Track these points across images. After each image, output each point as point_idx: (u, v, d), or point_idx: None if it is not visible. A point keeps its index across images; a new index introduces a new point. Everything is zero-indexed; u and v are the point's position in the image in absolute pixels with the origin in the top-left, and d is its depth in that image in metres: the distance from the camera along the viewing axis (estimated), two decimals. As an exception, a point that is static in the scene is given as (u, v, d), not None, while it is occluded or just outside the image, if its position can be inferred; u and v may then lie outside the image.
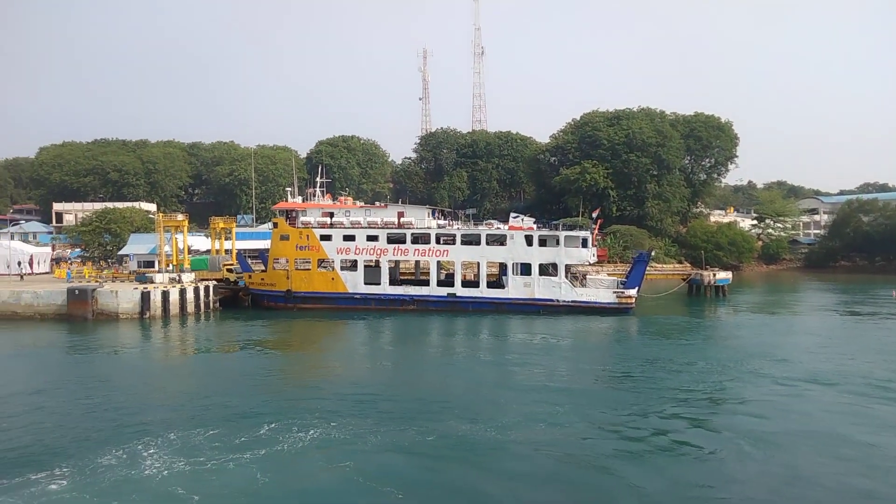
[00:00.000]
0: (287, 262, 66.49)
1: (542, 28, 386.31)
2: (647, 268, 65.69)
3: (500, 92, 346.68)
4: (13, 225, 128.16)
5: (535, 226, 66.08)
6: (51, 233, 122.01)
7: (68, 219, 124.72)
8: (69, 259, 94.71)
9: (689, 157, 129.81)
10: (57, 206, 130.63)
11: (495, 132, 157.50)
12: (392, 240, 64.85)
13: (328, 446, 24.53)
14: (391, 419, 27.66)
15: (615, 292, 62.10)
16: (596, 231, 70.02)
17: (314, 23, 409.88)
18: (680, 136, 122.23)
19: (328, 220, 66.73)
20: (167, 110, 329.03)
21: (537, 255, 62.45)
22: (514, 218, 66.65)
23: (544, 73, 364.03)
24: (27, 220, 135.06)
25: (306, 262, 66.53)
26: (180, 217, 72.79)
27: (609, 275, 72.50)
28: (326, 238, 65.25)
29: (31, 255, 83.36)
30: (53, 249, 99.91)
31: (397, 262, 69.69)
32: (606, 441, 25.49)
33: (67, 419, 28.38)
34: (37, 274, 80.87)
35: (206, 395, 32.56)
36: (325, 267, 65.96)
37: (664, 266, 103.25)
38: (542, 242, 63.12)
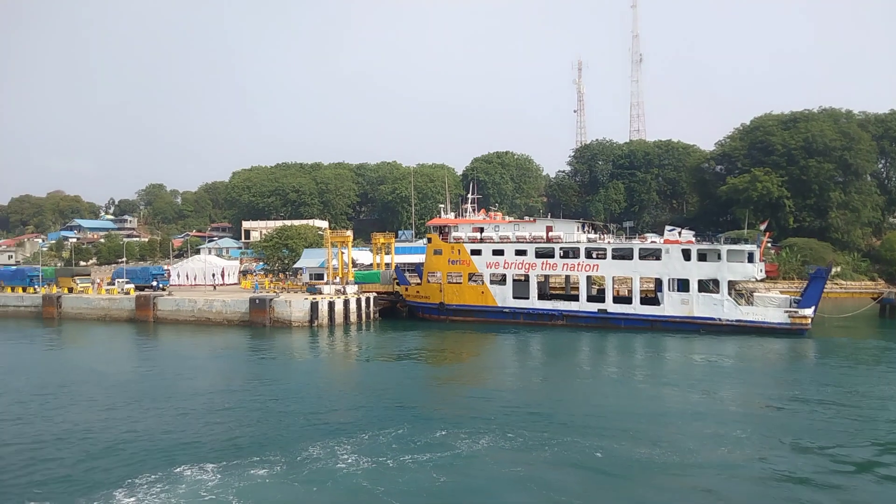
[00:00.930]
0: (440, 275, 69.04)
1: (704, 31, 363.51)
2: (828, 285, 59.08)
3: (659, 100, 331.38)
4: (210, 241, 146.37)
5: (693, 239, 62.45)
6: (240, 248, 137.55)
7: (254, 235, 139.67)
8: (254, 271, 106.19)
9: (883, 161, 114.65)
10: (245, 224, 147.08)
11: (654, 141, 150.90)
12: (541, 254, 64.81)
13: (499, 454, 25.73)
14: (556, 432, 28.14)
15: (787, 311, 56.60)
16: (764, 244, 64.40)
17: (473, 43, 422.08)
18: (871, 138, 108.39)
19: (478, 235, 68.38)
20: (338, 134, 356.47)
21: (696, 271, 58.88)
22: (670, 231, 63.54)
23: (707, 78, 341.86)
24: (221, 237, 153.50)
25: (458, 275, 68.61)
26: (346, 233, 78.61)
27: (782, 292, 66.14)
28: (476, 253, 66.88)
29: (223, 268, 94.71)
30: (241, 263, 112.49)
31: (546, 277, 69.38)
32: (803, 470, 23.91)
33: (265, 415, 32.33)
34: (227, 285, 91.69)
35: (381, 399, 35.32)
36: (475, 281, 67.57)
37: (851, 283, 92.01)
38: (702, 257, 59.41)
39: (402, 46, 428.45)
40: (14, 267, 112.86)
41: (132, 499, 21.61)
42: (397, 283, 74.14)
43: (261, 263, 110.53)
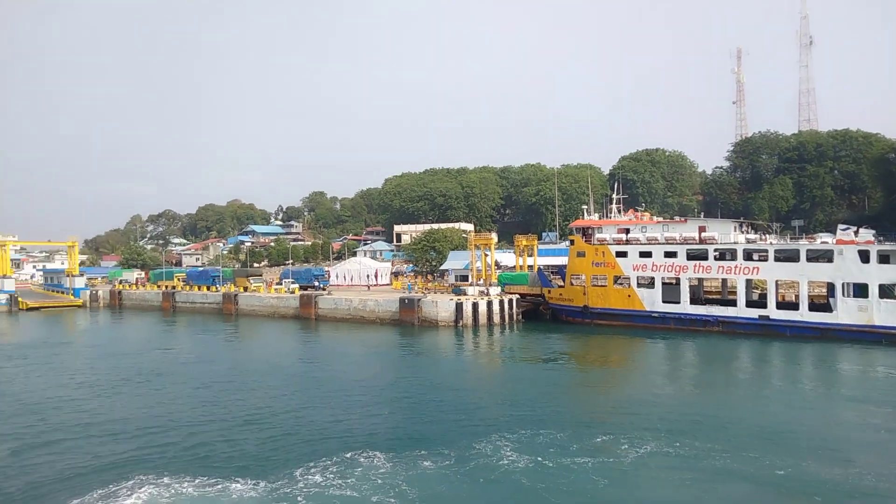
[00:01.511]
0: (584, 278, 67.87)
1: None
2: None
3: (832, 86, 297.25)
4: (365, 244, 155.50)
5: (873, 238, 55.78)
6: (392, 250, 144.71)
7: (405, 238, 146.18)
8: (405, 273, 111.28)
9: None
10: (397, 228, 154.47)
11: (828, 131, 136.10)
12: (692, 256, 61.38)
13: (666, 461, 25.29)
14: (727, 444, 27.01)
15: None
16: (967, 244, 55.80)
17: (614, 35, 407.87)
18: None
19: (624, 236, 66.27)
20: (483, 139, 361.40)
21: (876, 274, 52.52)
22: (844, 230, 57.24)
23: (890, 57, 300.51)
24: (375, 240, 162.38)
25: (602, 278, 66.99)
26: (489, 236, 79.85)
27: None
28: (622, 255, 64.88)
29: (377, 270, 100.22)
30: (393, 264, 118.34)
31: (700, 280, 65.58)
32: None
33: (424, 409, 34.28)
34: (380, 285, 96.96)
35: (532, 400, 35.82)
36: (621, 284, 65.56)
37: None
38: (884, 259, 52.88)
39: (547, 47, 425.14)
40: (200, 268, 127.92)
41: (316, 477, 23.91)
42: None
43: (410, 265, 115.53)
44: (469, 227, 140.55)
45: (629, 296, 64.61)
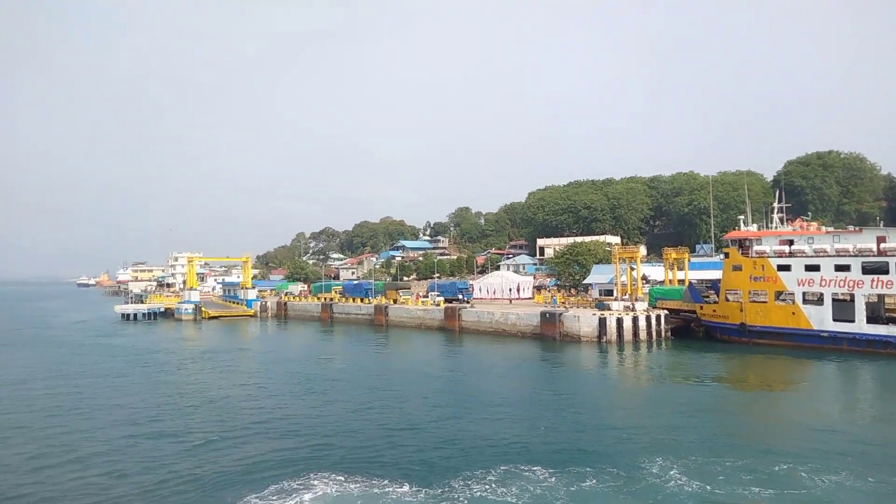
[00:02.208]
0: (741, 293, 63.18)
1: None
2: None
3: None
4: (508, 258, 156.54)
5: None
6: (535, 264, 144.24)
7: (548, 252, 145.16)
8: (548, 287, 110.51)
9: None
10: (540, 242, 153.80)
11: None
12: (870, 270, 54.85)
13: (864, 497, 23.09)
14: None
15: None
16: None
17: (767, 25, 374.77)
18: None
19: (786, 248, 60.85)
20: (628, 148, 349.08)
21: None
22: None
23: None
24: (518, 254, 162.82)
25: (762, 293, 61.90)
26: (635, 249, 77.12)
27: None
28: (784, 268, 59.60)
29: (519, 283, 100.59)
30: (535, 278, 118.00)
31: (880, 297, 58.30)
32: None
33: (578, 425, 33.48)
34: (522, 299, 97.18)
35: (691, 422, 33.98)
36: (783, 300, 60.20)
37: None
38: None
39: (697, 45, 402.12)
40: (355, 281, 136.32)
41: (477, 486, 24.35)
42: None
43: (553, 279, 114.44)
44: (615, 239, 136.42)
45: (793, 313, 59.08)
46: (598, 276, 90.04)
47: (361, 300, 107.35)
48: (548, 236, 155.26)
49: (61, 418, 37.31)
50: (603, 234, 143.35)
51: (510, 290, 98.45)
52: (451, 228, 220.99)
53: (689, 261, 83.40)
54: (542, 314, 70.62)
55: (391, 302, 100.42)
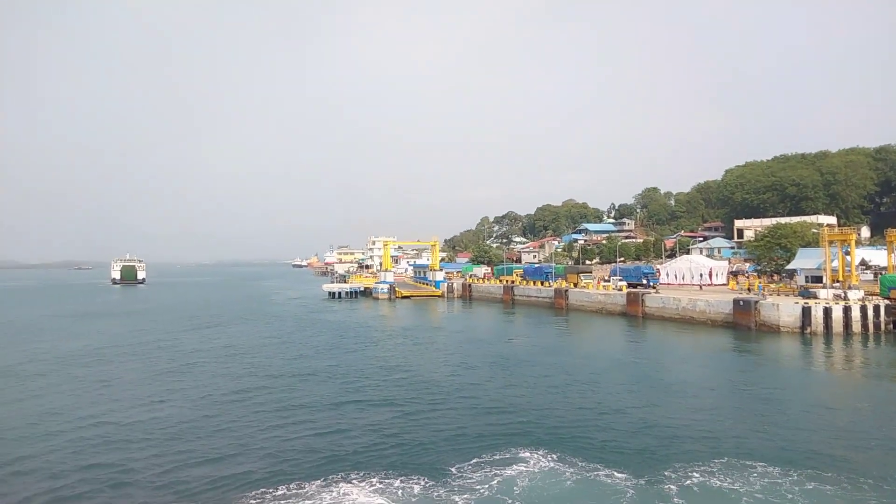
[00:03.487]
0: None
1: None
2: None
3: None
4: (701, 241, 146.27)
5: None
6: (732, 247, 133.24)
7: (748, 234, 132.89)
8: (745, 272, 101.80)
9: None
10: (738, 223, 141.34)
11: None
12: None
13: None
14: None
15: None
16: None
17: None
18: None
19: None
20: (850, 117, 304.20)
21: None
22: None
23: None
24: (712, 236, 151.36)
25: None
26: (848, 231, 68.16)
27: None
28: None
29: (711, 268, 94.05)
30: (731, 263, 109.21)
31: None
32: None
33: (792, 422, 30.88)
34: (714, 285, 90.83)
35: None
36: None
37: None
38: None
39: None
40: (536, 265, 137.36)
41: (696, 477, 23.11)
42: None
43: (752, 264, 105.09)
44: (830, 219, 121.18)
45: None
46: (804, 260, 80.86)
47: (542, 283, 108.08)
48: (747, 217, 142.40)
49: (293, 380, 42.95)
50: (815, 213, 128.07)
51: (700, 275, 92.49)
52: (638, 210, 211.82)
53: (921, 244, 71.58)
54: (736, 301, 65.61)
55: (571, 286, 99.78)
